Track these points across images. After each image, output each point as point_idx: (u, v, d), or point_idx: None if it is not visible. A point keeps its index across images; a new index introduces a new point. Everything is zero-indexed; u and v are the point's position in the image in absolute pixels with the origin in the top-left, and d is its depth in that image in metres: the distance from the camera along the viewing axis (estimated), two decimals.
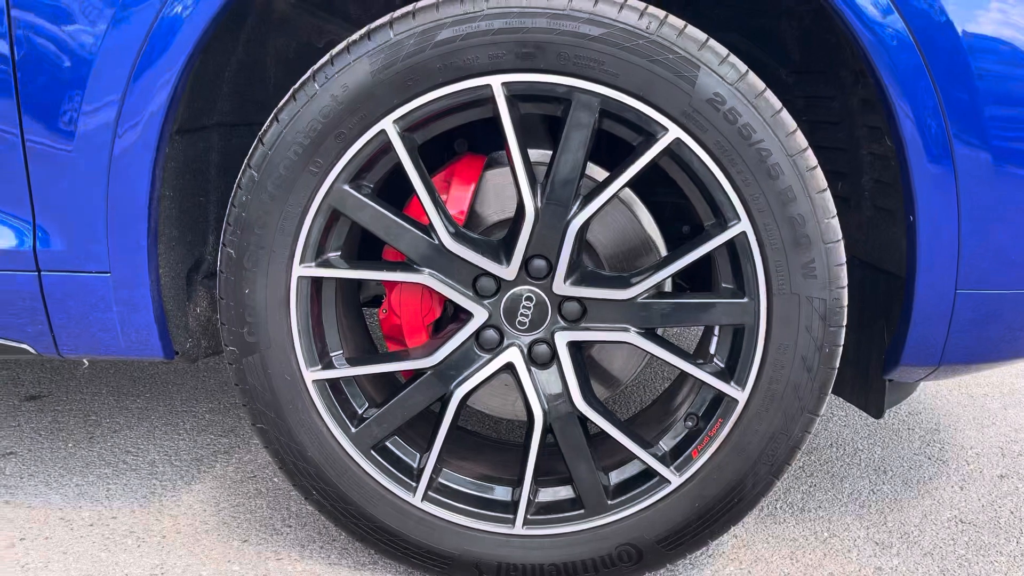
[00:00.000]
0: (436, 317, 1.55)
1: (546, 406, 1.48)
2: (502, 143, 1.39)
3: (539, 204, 1.40)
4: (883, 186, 1.60)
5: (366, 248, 1.69)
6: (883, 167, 1.58)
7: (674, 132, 1.34)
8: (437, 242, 1.43)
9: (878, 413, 1.60)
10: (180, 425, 2.30)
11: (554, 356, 1.48)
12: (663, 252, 1.58)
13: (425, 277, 1.44)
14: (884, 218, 1.61)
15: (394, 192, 1.53)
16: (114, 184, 1.39)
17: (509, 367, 1.48)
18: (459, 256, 1.43)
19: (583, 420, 1.48)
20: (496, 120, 1.38)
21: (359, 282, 1.75)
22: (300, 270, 1.43)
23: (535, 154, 1.53)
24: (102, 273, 1.47)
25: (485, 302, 1.47)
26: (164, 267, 1.52)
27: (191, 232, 1.62)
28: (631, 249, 1.57)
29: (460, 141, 1.71)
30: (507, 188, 1.56)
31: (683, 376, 1.61)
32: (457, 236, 1.43)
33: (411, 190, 1.42)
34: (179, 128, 1.51)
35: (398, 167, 1.42)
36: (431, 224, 1.43)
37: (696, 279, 1.90)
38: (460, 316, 1.51)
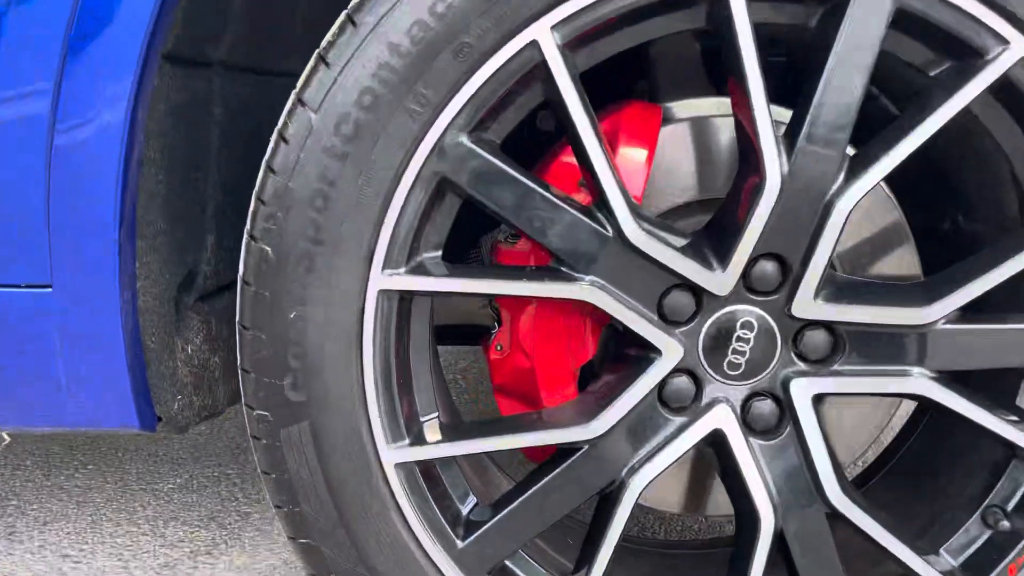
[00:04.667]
0: (588, 358, 0.98)
1: (777, 499, 0.92)
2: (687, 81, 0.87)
3: (785, 170, 0.86)
4: None
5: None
6: None
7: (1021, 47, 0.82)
8: (613, 233, 0.87)
9: None
10: (138, 512, 1.66)
11: (785, 417, 0.93)
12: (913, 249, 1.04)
13: (587, 290, 0.88)
14: None
15: None
16: (64, 121, 0.80)
17: (715, 437, 0.92)
18: (648, 256, 0.87)
19: (834, 518, 0.93)
20: (723, 26, 0.83)
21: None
22: (383, 280, 0.86)
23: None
24: (38, 288, 0.87)
25: (677, 332, 0.91)
26: (145, 279, 0.93)
27: (182, 226, 1.03)
28: (875, 243, 1.03)
29: (642, 83, 1.14)
30: (695, 154, 1.01)
31: (972, 443, 1.05)
32: (646, 224, 0.87)
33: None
34: (170, 52, 0.93)
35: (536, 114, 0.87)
36: (603, 203, 0.87)
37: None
38: (624, 358, 0.95)
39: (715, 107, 1.03)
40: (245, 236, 0.86)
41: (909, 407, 1.18)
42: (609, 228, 0.87)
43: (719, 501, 1.12)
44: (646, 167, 0.95)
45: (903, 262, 1.02)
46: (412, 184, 0.85)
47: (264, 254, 0.85)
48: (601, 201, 0.87)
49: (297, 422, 0.88)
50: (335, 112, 0.82)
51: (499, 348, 0.99)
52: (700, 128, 1.02)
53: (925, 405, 0.94)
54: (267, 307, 0.86)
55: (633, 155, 0.95)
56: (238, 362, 0.88)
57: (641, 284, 0.89)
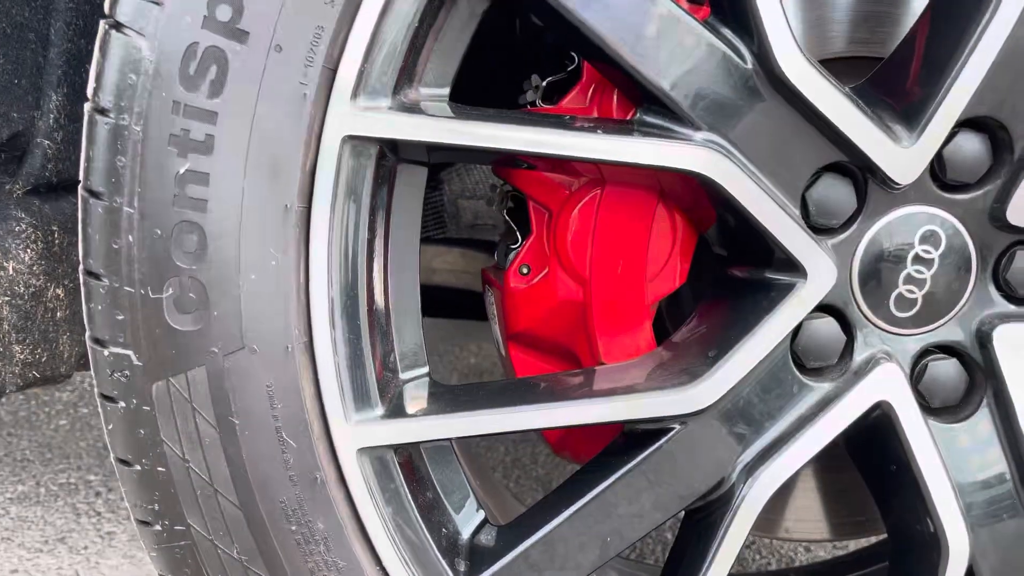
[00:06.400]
0: (676, 286, 0.62)
1: (969, 517, 0.58)
2: None
3: None
4: None
5: None
6: None
7: None
8: (753, 63, 0.52)
9: None
10: None
11: (979, 387, 0.59)
12: None
13: (703, 155, 0.52)
14: None
15: None
16: None
17: (875, 415, 0.58)
18: (810, 105, 0.53)
19: None
20: None
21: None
22: (352, 115, 0.49)
23: None
24: None
25: (827, 243, 0.56)
26: None
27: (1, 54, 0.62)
28: None
29: None
30: None
31: None
32: (803, 55, 0.52)
33: None
34: None
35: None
36: (741, 14, 0.52)
37: None
38: (735, 286, 0.60)
39: None
40: (102, 26, 0.48)
41: None
42: (747, 56, 0.52)
43: (800, 519, 0.79)
44: None
45: None
46: None
47: (134, 52, 0.46)
48: (737, 11, 0.51)
49: (184, 369, 0.49)
50: None
51: (524, 271, 0.62)
52: None
53: None
54: (135, 151, 0.47)
55: None
56: (80, 259, 0.49)
57: (786, 155, 0.54)
